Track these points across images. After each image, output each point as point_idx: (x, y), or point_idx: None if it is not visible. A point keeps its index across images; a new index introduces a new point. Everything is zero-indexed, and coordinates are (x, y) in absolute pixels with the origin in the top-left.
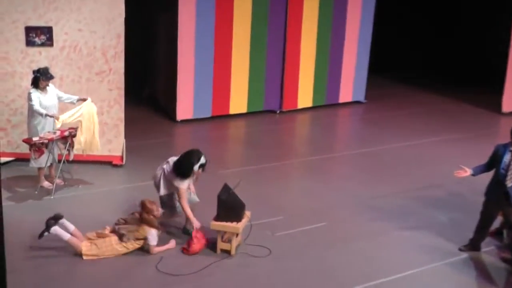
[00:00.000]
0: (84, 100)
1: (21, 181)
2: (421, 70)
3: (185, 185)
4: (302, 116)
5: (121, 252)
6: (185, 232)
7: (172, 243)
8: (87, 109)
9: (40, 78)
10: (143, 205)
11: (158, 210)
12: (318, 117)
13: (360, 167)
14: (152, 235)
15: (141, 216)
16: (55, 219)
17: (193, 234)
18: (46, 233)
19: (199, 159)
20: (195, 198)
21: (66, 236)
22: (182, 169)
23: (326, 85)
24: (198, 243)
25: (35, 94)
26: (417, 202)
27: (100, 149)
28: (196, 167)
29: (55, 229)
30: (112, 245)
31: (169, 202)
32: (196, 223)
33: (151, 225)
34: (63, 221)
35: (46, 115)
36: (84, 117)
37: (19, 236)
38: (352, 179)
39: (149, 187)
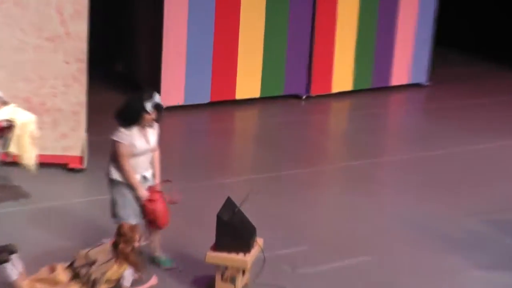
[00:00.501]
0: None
1: None
2: (495, 48)
3: (126, 137)
4: (338, 104)
5: None
6: (160, 262)
7: (153, 280)
8: (23, 120)
9: None
10: (121, 231)
11: (139, 240)
12: (360, 105)
13: (418, 178)
14: (127, 274)
15: (116, 248)
16: (8, 251)
17: (148, 197)
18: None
19: (151, 97)
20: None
21: (14, 275)
22: (126, 110)
23: (373, 63)
24: (159, 203)
25: None
26: (495, 228)
27: (34, 172)
28: (148, 106)
29: (6, 266)
30: None
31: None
32: (144, 194)
33: (130, 261)
34: (14, 256)
35: None
36: (20, 129)
37: None
38: (406, 193)
39: None
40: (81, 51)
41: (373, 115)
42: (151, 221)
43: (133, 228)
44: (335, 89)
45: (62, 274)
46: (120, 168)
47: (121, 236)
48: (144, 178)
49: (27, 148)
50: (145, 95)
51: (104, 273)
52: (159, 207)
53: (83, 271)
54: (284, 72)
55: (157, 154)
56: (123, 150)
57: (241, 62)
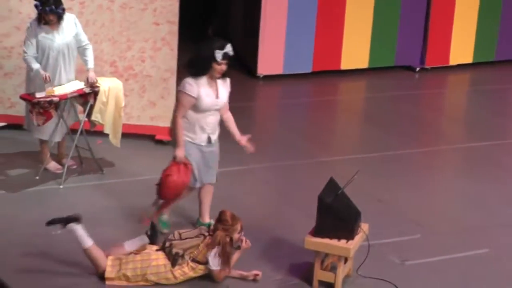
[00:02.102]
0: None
1: (16, 160)
2: None
3: (190, 88)
4: (456, 78)
5: (167, 282)
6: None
7: (252, 274)
8: (111, 85)
9: (45, 10)
10: (222, 217)
11: (241, 233)
12: (481, 80)
13: None
14: (214, 255)
15: (213, 232)
16: (74, 220)
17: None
18: (58, 229)
19: (223, 46)
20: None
21: (88, 242)
22: (195, 58)
23: (498, 33)
24: (179, 175)
25: (32, 30)
26: None
27: (118, 145)
28: (218, 55)
29: (75, 227)
30: (154, 269)
31: None
32: (180, 155)
33: (222, 248)
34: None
35: (38, 74)
36: (106, 95)
37: (10, 239)
38: None
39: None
40: (173, 12)
41: (496, 91)
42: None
43: (235, 217)
44: (453, 61)
45: (151, 245)
46: (173, 120)
47: (222, 222)
48: (209, 140)
49: (112, 117)
50: (217, 44)
51: (186, 250)
52: (172, 179)
53: (168, 243)
54: (396, 41)
55: (230, 116)
56: (184, 100)
57: (348, 28)
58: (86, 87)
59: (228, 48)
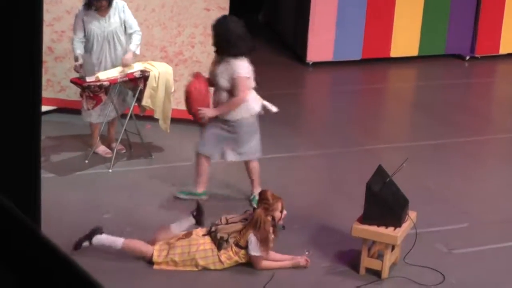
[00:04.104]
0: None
1: (66, 143)
2: None
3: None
4: (507, 67)
5: (215, 267)
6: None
7: (300, 259)
8: (161, 70)
9: None
10: (262, 196)
11: (283, 213)
12: None
13: None
14: (255, 240)
15: (255, 213)
16: (96, 232)
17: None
18: (85, 243)
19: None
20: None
21: (119, 242)
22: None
23: None
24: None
25: (80, 15)
26: None
27: (168, 131)
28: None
29: (100, 238)
30: (202, 254)
31: None
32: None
33: (260, 227)
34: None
35: (78, 61)
36: (156, 80)
37: (58, 224)
38: None
39: (262, 164)
40: None
41: None
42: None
43: (275, 196)
44: (504, 50)
45: (198, 230)
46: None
47: (262, 201)
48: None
49: (162, 102)
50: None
51: (230, 233)
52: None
53: (213, 228)
54: (447, 29)
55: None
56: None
57: (398, 15)
58: (137, 72)
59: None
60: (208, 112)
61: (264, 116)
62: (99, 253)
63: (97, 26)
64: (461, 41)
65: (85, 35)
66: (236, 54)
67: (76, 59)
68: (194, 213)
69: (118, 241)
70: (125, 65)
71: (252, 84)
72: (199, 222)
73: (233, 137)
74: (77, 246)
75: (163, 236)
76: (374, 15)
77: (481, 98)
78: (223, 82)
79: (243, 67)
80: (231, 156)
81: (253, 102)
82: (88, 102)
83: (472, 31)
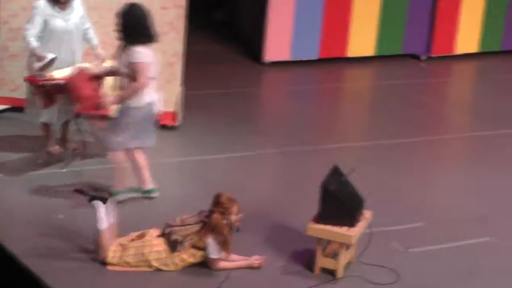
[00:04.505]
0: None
1: (20, 143)
2: None
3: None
4: (462, 67)
5: (168, 268)
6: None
7: (255, 259)
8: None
9: None
10: (218, 200)
11: (238, 215)
12: (487, 69)
13: None
14: (213, 243)
15: (210, 216)
16: (101, 198)
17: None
18: (92, 199)
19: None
20: None
21: (105, 223)
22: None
23: (504, 23)
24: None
25: (40, 8)
26: None
27: None
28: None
29: (98, 205)
30: (155, 255)
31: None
32: None
33: (218, 232)
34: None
35: (34, 53)
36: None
37: (10, 225)
38: None
39: (218, 163)
40: None
41: (502, 81)
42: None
43: (231, 199)
44: (459, 50)
45: (152, 231)
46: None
47: (218, 205)
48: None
49: None
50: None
51: (185, 236)
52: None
53: (168, 229)
54: (403, 29)
55: None
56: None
57: (356, 15)
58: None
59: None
60: (108, 100)
61: (220, 115)
62: (52, 253)
63: (58, 21)
64: (418, 41)
65: (44, 31)
66: (139, 42)
67: (41, 57)
68: (89, 198)
69: (104, 222)
70: (101, 59)
71: (153, 73)
72: (99, 198)
73: (131, 124)
74: (79, 191)
75: (103, 239)
76: (331, 15)
77: (436, 98)
78: (125, 68)
79: (144, 54)
80: (133, 144)
81: (151, 92)
82: (42, 101)
83: (428, 31)
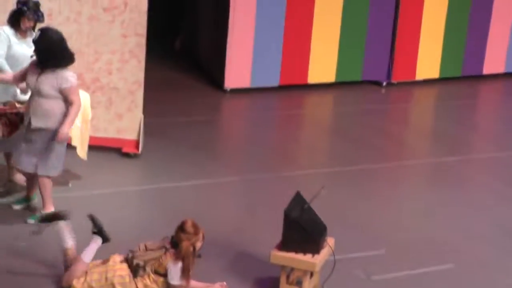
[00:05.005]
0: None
1: None
2: None
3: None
4: (423, 92)
5: None
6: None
7: (218, 286)
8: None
9: (25, 14)
10: (183, 227)
11: (202, 241)
12: (448, 95)
13: None
14: (174, 268)
15: (173, 243)
16: (63, 217)
17: None
18: (97, 233)
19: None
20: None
21: (70, 242)
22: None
23: (464, 48)
24: None
25: (5, 36)
26: None
27: (85, 158)
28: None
29: (63, 227)
30: (119, 279)
31: None
32: None
33: (184, 258)
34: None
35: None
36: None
37: None
38: (498, 195)
39: (180, 190)
40: (141, 24)
41: (462, 106)
42: None
43: (196, 226)
44: (420, 76)
45: (115, 257)
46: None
47: (184, 232)
48: (29, 124)
49: (79, 129)
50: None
51: (146, 261)
52: None
53: (130, 254)
54: (363, 56)
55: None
56: None
57: (315, 42)
58: None
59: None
60: (65, 129)
61: (182, 142)
62: (16, 279)
63: (20, 48)
64: (378, 67)
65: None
66: (64, 65)
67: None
68: (95, 230)
69: (69, 242)
70: None
71: None
72: (103, 235)
73: (37, 147)
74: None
75: (80, 268)
76: (291, 42)
77: (397, 124)
78: (49, 90)
79: (72, 76)
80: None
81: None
82: (4, 129)
83: (388, 58)
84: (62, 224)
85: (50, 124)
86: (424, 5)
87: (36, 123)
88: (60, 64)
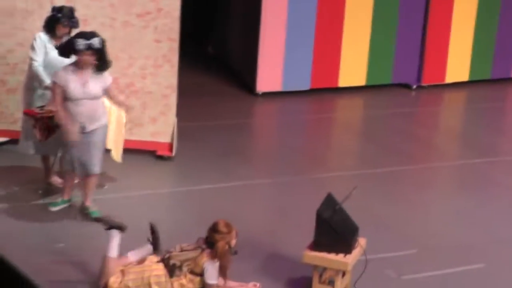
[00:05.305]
0: None
1: (19, 174)
2: None
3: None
4: (452, 95)
5: None
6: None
7: (251, 286)
8: (116, 116)
9: (61, 21)
10: (216, 227)
11: (236, 238)
12: (477, 97)
13: None
14: (211, 268)
15: (208, 243)
16: (119, 228)
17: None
18: (109, 228)
19: (87, 38)
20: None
21: (114, 252)
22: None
23: (494, 51)
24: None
25: (41, 42)
26: None
27: (120, 161)
28: (81, 45)
29: (114, 234)
30: (155, 279)
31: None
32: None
33: (220, 257)
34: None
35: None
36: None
37: (11, 254)
38: None
39: (212, 193)
40: (174, 30)
41: (492, 109)
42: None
43: (229, 224)
44: (450, 79)
45: (152, 257)
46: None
47: (217, 232)
48: (83, 129)
49: (113, 133)
50: (83, 35)
51: (183, 261)
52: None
53: (167, 255)
54: (393, 59)
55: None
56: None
57: (346, 46)
58: None
59: (93, 41)
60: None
61: (214, 146)
62: (53, 279)
63: (56, 54)
64: (408, 70)
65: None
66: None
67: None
68: (151, 239)
69: (114, 251)
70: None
71: None
72: (156, 247)
73: (98, 147)
74: (98, 220)
75: (121, 264)
76: (322, 46)
77: (427, 127)
78: (100, 91)
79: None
80: (90, 168)
81: None
82: (41, 133)
83: (418, 60)
84: (116, 233)
85: (104, 120)
86: (453, 7)
87: (93, 126)
88: (107, 67)
